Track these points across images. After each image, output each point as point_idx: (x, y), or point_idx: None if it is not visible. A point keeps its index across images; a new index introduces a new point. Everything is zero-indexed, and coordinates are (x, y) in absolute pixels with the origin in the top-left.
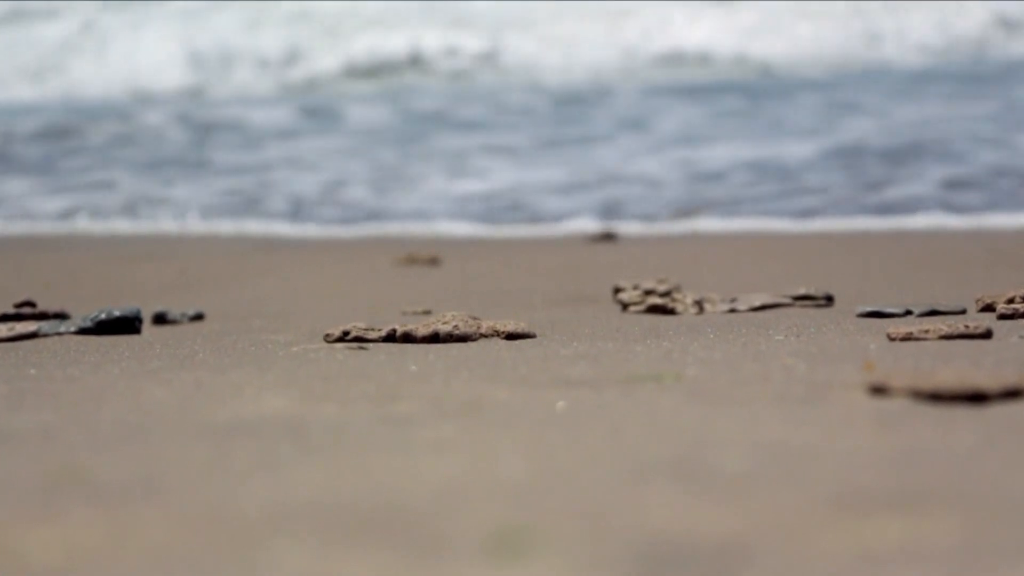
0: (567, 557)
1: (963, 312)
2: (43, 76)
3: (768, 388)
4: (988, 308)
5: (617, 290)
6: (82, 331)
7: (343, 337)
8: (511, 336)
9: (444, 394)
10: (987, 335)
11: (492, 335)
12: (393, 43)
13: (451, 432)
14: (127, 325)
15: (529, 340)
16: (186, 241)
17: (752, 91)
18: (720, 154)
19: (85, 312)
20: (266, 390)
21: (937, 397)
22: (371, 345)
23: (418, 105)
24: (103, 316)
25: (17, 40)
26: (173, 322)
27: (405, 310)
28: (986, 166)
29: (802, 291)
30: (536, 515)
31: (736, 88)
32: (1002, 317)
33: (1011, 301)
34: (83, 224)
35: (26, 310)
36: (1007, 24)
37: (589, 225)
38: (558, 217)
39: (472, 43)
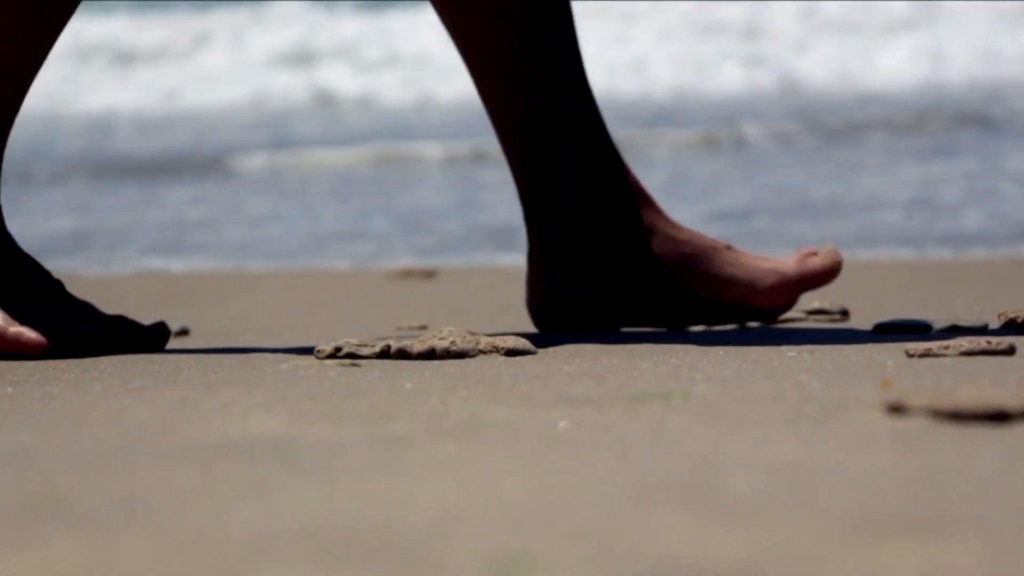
0: None
1: (985, 327)
2: None
3: (781, 407)
4: (1011, 323)
5: None
6: None
7: (335, 353)
8: (511, 352)
9: (441, 413)
10: (1010, 351)
11: (491, 351)
12: None
13: (448, 453)
14: None
15: (530, 356)
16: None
17: None
18: None
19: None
20: (254, 409)
21: (958, 416)
22: (364, 362)
23: None
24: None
25: None
26: None
27: (400, 325)
28: None
29: (816, 305)
30: (538, 540)
31: None
32: None
33: None
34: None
35: None
36: None
37: None
38: None
39: None
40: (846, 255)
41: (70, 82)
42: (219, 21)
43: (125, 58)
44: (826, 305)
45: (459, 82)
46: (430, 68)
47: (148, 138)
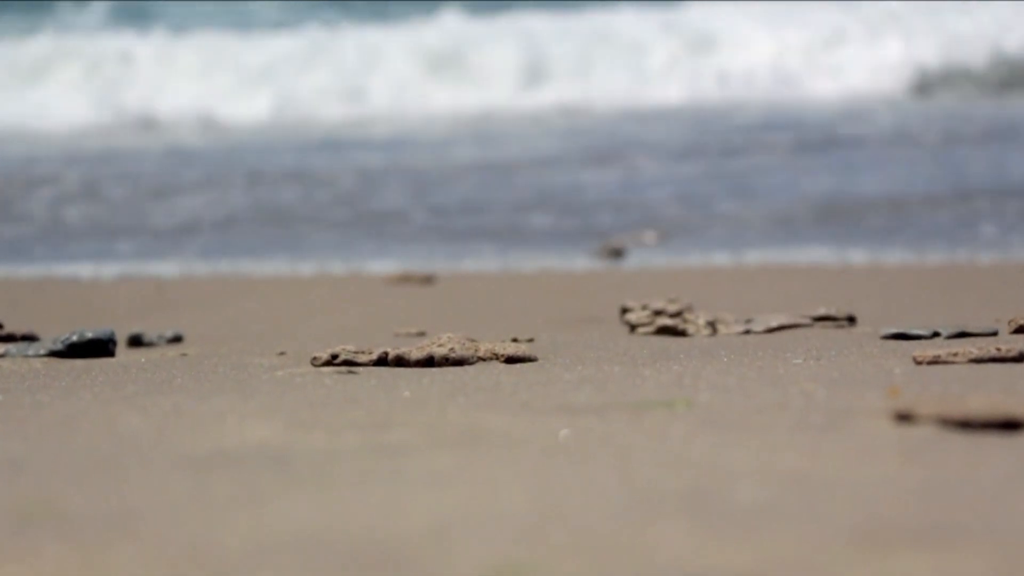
0: None
1: (994, 334)
2: None
3: (786, 415)
4: (1021, 330)
5: (624, 310)
6: (52, 354)
7: (331, 361)
8: (511, 359)
9: (439, 422)
10: (1020, 359)
11: (491, 358)
12: None
13: (447, 463)
14: (100, 348)
15: (530, 364)
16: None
17: None
18: None
19: (55, 334)
20: (249, 418)
21: (967, 425)
22: (361, 369)
23: None
24: (75, 338)
25: None
26: (149, 344)
27: (398, 332)
28: None
29: (822, 311)
30: (538, 552)
31: None
32: None
33: None
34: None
35: None
36: None
37: None
38: None
39: None
40: (847, 257)
41: None
42: None
43: None
44: (832, 311)
45: None
46: None
47: None
